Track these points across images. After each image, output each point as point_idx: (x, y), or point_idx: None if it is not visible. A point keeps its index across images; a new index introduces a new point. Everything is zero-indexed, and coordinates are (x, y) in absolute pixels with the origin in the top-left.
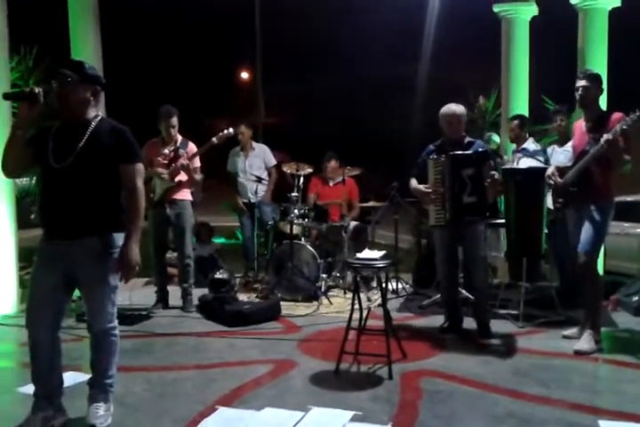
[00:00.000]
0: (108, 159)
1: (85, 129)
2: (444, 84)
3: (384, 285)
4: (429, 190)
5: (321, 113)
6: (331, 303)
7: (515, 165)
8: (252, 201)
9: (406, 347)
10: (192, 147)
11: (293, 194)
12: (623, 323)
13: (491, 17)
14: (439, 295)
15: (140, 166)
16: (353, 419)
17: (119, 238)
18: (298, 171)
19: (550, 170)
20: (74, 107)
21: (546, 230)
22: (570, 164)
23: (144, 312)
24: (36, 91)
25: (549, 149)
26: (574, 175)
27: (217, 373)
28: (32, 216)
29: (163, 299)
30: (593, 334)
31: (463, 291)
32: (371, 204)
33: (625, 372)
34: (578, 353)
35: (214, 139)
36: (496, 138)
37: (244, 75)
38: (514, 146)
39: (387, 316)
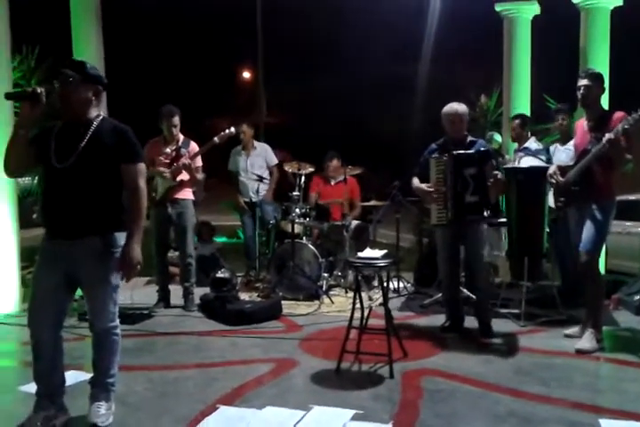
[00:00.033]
0: (109, 159)
1: (87, 129)
2: (445, 83)
3: (385, 284)
4: (431, 189)
5: (322, 112)
6: (332, 302)
7: (516, 164)
8: (254, 200)
9: (407, 346)
10: (194, 146)
11: (295, 193)
12: (625, 322)
13: (493, 16)
14: (440, 294)
15: (142, 166)
16: (354, 418)
17: (121, 238)
18: (299, 170)
19: (552, 169)
20: (76, 107)
21: (547, 229)
22: (571, 162)
23: (146, 311)
24: (39, 91)
25: (552, 148)
26: (576, 174)
27: (218, 372)
28: (34, 216)
29: (164, 298)
30: (594, 333)
31: (464, 290)
32: (372, 203)
33: (626, 371)
34: (579, 352)
35: (216, 138)
36: (498, 137)
37: (246, 74)
38: (516, 145)
39: (388, 315)
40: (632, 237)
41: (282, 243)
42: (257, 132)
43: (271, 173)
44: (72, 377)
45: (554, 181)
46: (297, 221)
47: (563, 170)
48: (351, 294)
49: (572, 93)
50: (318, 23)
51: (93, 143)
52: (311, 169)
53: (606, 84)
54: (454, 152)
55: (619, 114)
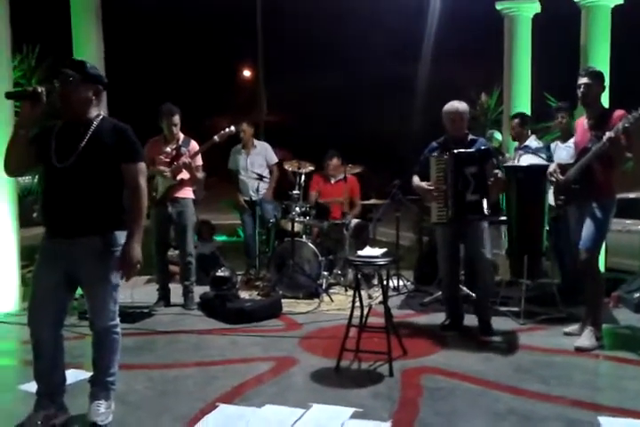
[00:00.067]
0: (110, 158)
1: (87, 128)
2: (445, 82)
3: (385, 282)
4: (432, 188)
5: (322, 111)
6: (332, 301)
7: (516, 162)
8: (254, 199)
9: (407, 344)
10: (194, 145)
11: (295, 192)
12: (624, 320)
13: (493, 14)
14: (440, 293)
15: (143, 165)
16: (353, 416)
17: (121, 237)
18: (299, 168)
19: (552, 167)
20: (76, 106)
21: (547, 227)
22: (572, 160)
23: (146, 310)
24: (39, 90)
25: (552, 145)
26: (576, 172)
27: (218, 370)
28: (34, 214)
29: (164, 297)
30: (594, 330)
31: (464, 288)
32: (372, 201)
33: (626, 368)
34: (579, 350)
35: (216, 137)
36: (498, 135)
37: (246, 73)
38: (516, 143)
39: (387, 313)
40: (632, 235)
41: (282, 241)
42: (257, 131)
43: (271, 172)
44: (72, 376)
45: (554, 179)
46: (297, 219)
47: (563, 168)
48: (351, 293)
49: (573, 91)
50: (318, 21)
51: (94, 143)
52: (311, 168)
53: (606, 83)
54: (455, 151)
55: (619, 112)
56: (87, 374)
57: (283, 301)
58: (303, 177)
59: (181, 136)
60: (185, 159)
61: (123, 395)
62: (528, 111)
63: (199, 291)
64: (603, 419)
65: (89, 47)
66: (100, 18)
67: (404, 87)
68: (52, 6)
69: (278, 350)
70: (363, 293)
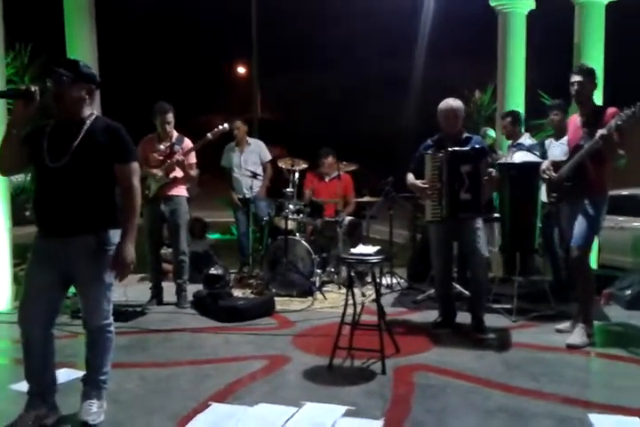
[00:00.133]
0: (103, 158)
1: (80, 128)
2: (439, 79)
3: (378, 280)
4: (426, 186)
5: (316, 109)
6: (325, 299)
7: (508, 159)
8: (247, 196)
9: (400, 342)
10: (188, 143)
11: (288, 189)
12: (615, 317)
13: (487, 11)
14: (433, 290)
15: (136, 165)
16: (346, 414)
17: (115, 235)
18: (293, 166)
19: (545, 164)
20: (69, 105)
21: (540, 225)
22: (565, 158)
23: (139, 309)
24: (32, 89)
25: (547, 142)
26: (568, 170)
27: (211, 369)
28: (27, 213)
29: (157, 295)
30: (585, 327)
31: (457, 286)
32: (366, 199)
33: (617, 365)
34: (570, 347)
35: (209, 134)
36: (492, 133)
37: (240, 70)
38: (510, 141)
39: (380, 311)
40: (624, 231)
41: (275, 239)
42: (251, 129)
43: (265, 170)
44: (64, 375)
45: (547, 176)
46: (290, 217)
47: (556, 165)
48: (344, 291)
49: (567, 89)
50: (313, 20)
51: (87, 142)
52: (305, 165)
53: (601, 80)
54: (450, 149)
55: (612, 110)
56: (79, 374)
57: (276, 299)
58: (297, 175)
59: (175, 134)
60: (178, 157)
61: (115, 394)
62: (522, 108)
63: (192, 289)
64: (593, 416)
65: (82, 45)
66: (93, 16)
67: (398, 84)
68: (45, 4)
69: (271, 349)
70: (356, 290)
